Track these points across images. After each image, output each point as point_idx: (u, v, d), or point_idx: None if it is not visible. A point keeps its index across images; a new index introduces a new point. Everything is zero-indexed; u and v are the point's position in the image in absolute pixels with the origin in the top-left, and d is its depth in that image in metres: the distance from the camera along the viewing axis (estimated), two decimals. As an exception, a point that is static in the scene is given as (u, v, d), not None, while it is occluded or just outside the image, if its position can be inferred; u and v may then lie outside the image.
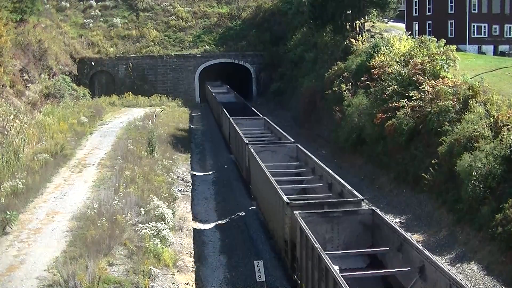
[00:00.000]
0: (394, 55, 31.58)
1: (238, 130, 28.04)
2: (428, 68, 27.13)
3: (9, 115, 26.06)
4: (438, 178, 21.24)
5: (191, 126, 45.59)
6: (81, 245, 15.48)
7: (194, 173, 30.37)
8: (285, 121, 41.63)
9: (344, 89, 32.18)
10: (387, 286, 13.39)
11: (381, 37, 38.29)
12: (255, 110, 36.83)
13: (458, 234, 18.37)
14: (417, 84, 26.38)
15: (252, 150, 22.57)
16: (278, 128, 28.85)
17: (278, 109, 47.83)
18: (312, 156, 21.44)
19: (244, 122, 32.03)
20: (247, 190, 25.65)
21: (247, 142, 24.56)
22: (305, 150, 22.43)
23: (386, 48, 32.49)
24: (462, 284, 10.39)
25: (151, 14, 62.81)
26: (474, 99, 22.49)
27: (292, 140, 24.66)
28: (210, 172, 31.02)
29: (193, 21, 62.40)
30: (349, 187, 16.79)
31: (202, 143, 39.71)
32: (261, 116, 33.87)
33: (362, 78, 31.44)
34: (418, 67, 27.51)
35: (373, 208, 15.47)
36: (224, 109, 36.54)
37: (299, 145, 23.41)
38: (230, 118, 31.86)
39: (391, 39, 33.95)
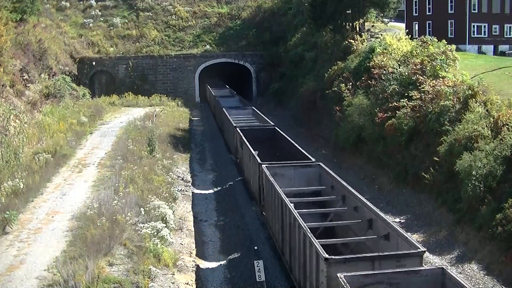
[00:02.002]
0: (393, 54, 31.57)
1: (285, 200, 15.64)
2: (428, 68, 27.14)
3: (9, 115, 26.04)
4: (438, 178, 21.23)
5: (191, 126, 45.55)
6: (81, 245, 15.49)
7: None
8: (285, 121, 41.64)
9: (344, 88, 32.18)
10: None
11: (380, 37, 38.23)
12: (300, 149, 22.41)
13: (458, 234, 18.36)
14: (417, 84, 26.39)
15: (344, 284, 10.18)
16: (352, 191, 16.37)
17: (278, 109, 47.83)
18: None
19: (287, 172, 19.48)
20: None
21: (324, 255, 11.70)
22: (458, 278, 10.70)
23: (383, 49, 32.43)
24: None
25: (151, 14, 62.82)
26: (474, 99, 22.49)
27: (419, 245, 11.99)
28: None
29: (193, 21, 62.40)
30: None
31: (202, 143, 39.70)
32: (313, 159, 20.40)
33: (362, 78, 31.44)
34: (418, 67, 27.53)
35: None
36: (247, 142, 24.38)
37: (447, 270, 11.00)
38: (263, 166, 19.51)
39: (388, 39, 33.90)
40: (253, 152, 22.26)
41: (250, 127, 29.38)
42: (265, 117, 33.36)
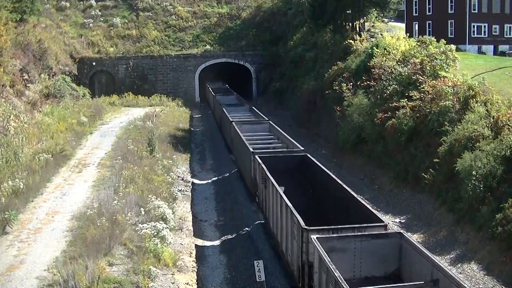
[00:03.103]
0: (392, 54, 31.57)
1: None
2: (428, 68, 27.14)
3: (9, 115, 26.04)
4: (438, 178, 21.23)
5: (191, 126, 45.53)
6: (81, 245, 15.49)
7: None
8: (285, 121, 41.65)
9: (344, 89, 32.18)
10: None
11: (379, 37, 38.22)
12: (349, 190, 16.31)
13: (458, 234, 18.36)
14: (417, 84, 26.39)
15: None
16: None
17: (278, 109, 47.84)
18: None
19: (349, 246, 12.72)
20: None
21: None
22: None
23: (382, 48, 32.42)
24: None
25: (151, 14, 62.85)
26: (474, 99, 22.49)
27: None
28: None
29: (193, 21, 62.43)
30: None
31: (202, 143, 39.67)
32: (385, 222, 13.74)
33: (362, 78, 31.44)
34: (417, 67, 27.53)
35: None
36: (275, 183, 17.48)
37: None
38: (315, 239, 12.32)
39: (387, 39, 33.88)
40: (292, 208, 14.72)
41: (273, 154, 22.71)
42: (288, 136, 26.41)
